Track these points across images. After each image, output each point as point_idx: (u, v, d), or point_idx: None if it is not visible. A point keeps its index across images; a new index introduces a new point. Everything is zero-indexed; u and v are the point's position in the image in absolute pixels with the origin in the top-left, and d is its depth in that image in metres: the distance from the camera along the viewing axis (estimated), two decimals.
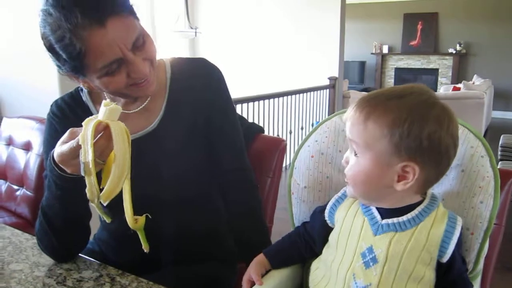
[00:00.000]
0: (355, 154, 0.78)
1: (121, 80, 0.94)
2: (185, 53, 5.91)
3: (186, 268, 1.10)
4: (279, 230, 1.20)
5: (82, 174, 0.76)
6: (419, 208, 0.78)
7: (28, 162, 1.93)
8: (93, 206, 0.82)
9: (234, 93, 3.68)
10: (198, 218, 1.12)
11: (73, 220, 1.00)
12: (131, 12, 0.92)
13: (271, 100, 4.43)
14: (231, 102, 1.16)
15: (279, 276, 0.93)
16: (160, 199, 1.06)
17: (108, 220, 0.84)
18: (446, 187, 0.86)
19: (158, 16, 5.06)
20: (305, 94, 5.12)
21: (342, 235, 0.83)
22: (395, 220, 0.78)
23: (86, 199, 0.79)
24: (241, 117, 1.36)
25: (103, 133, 0.77)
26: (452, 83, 9.11)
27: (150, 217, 0.79)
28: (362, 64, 10.29)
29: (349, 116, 0.78)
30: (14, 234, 1.16)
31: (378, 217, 0.79)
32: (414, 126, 0.71)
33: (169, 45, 5.39)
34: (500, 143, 4.07)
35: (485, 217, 0.82)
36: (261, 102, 4.28)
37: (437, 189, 0.88)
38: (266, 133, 1.38)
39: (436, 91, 9.09)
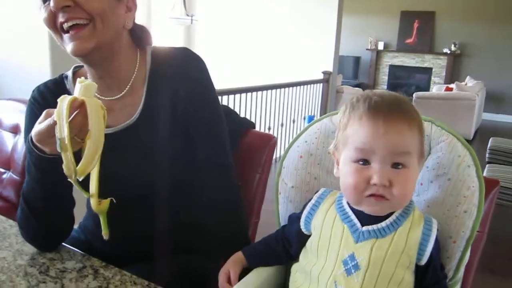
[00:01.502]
0: (397, 167, 0.75)
1: (47, 13, 0.93)
2: (181, 41, 5.88)
3: (170, 260, 1.10)
4: (266, 221, 1.20)
5: (59, 150, 0.76)
6: (396, 213, 0.79)
7: (16, 145, 1.91)
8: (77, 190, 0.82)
9: (227, 84, 3.67)
10: (180, 211, 1.11)
11: (55, 204, 0.99)
12: None
13: (264, 91, 4.43)
14: (214, 93, 1.11)
15: (262, 273, 0.93)
16: (141, 192, 1.05)
17: (86, 196, 0.83)
18: (431, 194, 0.87)
19: (155, 2, 5.01)
20: (298, 87, 5.13)
21: (322, 242, 0.83)
22: (375, 226, 0.78)
23: (68, 184, 0.80)
24: (233, 112, 1.36)
25: (79, 110, 0.76)
26: (445, 83, 9.16)
27: (114, 201, 0.79)
28: (357, 59, 10.30)
29: (379, 126, 0.74)
30: None
31: (358, 224, 0.79)
32: (423, 125, 0.80)
33: (165, 32, 5.35)
34: (488, 145, 4.11)
35: (468, 226, 0.83)
36: (254, 93, 4.27)
37: (423, 196, 0.89)
38: (258, 124, 1.38)
39: (429, 90, 9.15)
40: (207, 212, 1.09)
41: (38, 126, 0.83)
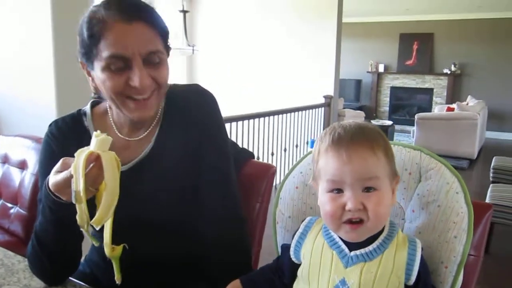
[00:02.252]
0: (369, 191, 0.78)
1: (119, 82, 0.95)
2: (183, 70, 5.98)
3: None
4: (270, 247, 1.22)
5: (73, 201, 0.80)
6: (381, 237, 0.82)
7: (23, 180, 1.95)
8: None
9: (229, 111, 3.72)
10: (183, 245, 1.13)
11: (66, 243, 1.02)
12: (161, 34, 0.99)
13: (266, 118, 4.47)
14: (223, 127, 1.16)
15: None
16: (147, 224, 1.07)
17: (96, 244, 0.87)
18: (423, 221, 0.90)
19: None
20: (300, 112, 5.17)
21: (312, 270, 0.86)
22: (362, 251, 0.81)
23: None
24: (233, 143, 1.40)
25: (95, 163, 0.80)
26: (446, 103, 9.22)
27: (127, 247, 0.83)
28: (358, 82, 10.40)
29: (344, 156, 0.78)
30: (6, 256, 1.18)
31: (346, 250, 0.83)
32: (390, 148, 0.83)
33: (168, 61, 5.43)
34: (492, 165, 4.12)
35: (458, 251, 0.85)
36: (256, 120, 4.31)
37: (415, 222, 0.92)
38: (260, 150, 1.41)
39: (431, 110, 9.20)
40: (213, 248, 1.10)
41: (55, 177, 0.86)
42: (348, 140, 0.79)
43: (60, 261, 1.02)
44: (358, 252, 0.81)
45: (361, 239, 0.81)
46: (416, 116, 6.90)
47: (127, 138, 1.09)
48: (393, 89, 10.26)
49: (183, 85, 1.18)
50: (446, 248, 0.86)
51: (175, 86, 1.16)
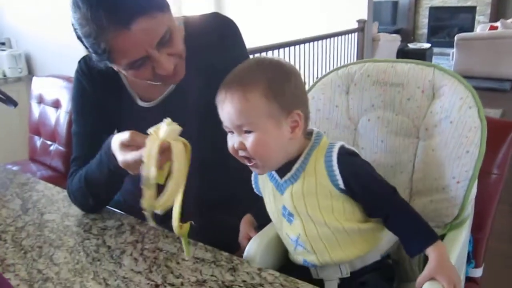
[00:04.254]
0: (246, 132, 0.81)
1: (147, 73, 0.95)
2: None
3: (202, 217, 1.17)
4: None
5: (143, 186, 0.81)
6: (304, 153, 0.84)
7: (58, 119, 2.05)
8: None
9: (256, 41, 3.63)
10: (219, 182, 1.15)
11: (115, 189, 1.09)
12: (158, 7, 0.89)
13: (296, 47, 4.35)
14: (246, 57, 1.12)
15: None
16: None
17: (153, 224, 0.88)
18: (435, 139, 0.90)
19: None
20: (332, 38, 5.00)
21: (268, 205, 0.93)
22: (288, 174, 0.85)
23: None
24: None
25: (166, 152, 0.82)
26: (490, 21, 8.67)
27: (193, 223, 0.84)
28: (395, 4, 9.88)
29: (223, 102, 0.82)
30: (47, 188, 1.28)
31: (278, 178, 0.87)
32: (284, 85, 0.82)
33: None
34: None
35: (470, 166, 0.86)
36: (286, 49, 4.20)
37: (428, 140, 0.92)
38: None
39: (473, 31, 8.71)
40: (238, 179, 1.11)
41: (125, 156, 0.88)
42: (225, 87, 0.83)
43: (104, 200, 1.11)
44: (286, 177, 0.85)
45: (264, 173, 0.88)
46: (456, 37, 6.58)
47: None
48: (432, 9, 9.72)
49: (200, 16, 1.15)
50: (458, 164, 0.86)
51: (192, 17, 1.14)
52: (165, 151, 0.82)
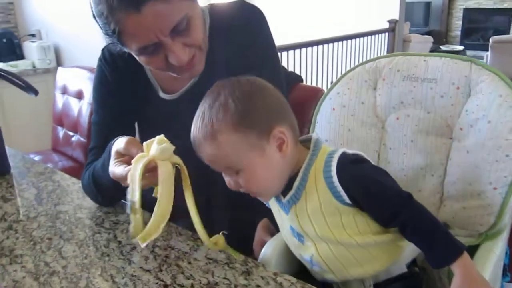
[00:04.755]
0: (237, 173, 0.76)
1: (159, 62, 0.91)
2: None
3: (216, 215, 1.13)
4: None
5: (128, 212, 0.77)
6: (302, 168, 0.77)
7: (81, 110, 2.05)
8: None
9: (285, 39, 3.60)
10: None
11: (123, 188, 1.04)
12: None
13: (324, 45, 4.29)
14: (273, 47, 1.08)
15: None
16: None
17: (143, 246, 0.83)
18: (471, 139, 0.83)
19: None
20: (362, 38, 4.91)
21: (278, 223, 0.88)
22: (290, 193, 0.78)
23: None
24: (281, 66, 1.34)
25: (152, 173, 0.76)
26: None
27: (225, 233, 0.79)
28: (427, 4, 9.67)
29: (199, 152, 0.77)
30: (63, 178, 1.26)
31: (281, 197, 0.80)
32: (252, 107, 0.73)
33: None
34: None
35: (510, 171, 0.78)
36: (315, 47, 4.14)
37: (463, 141, 0.85)
38: (319, 79, 1.34)
39: (508, 34, 8.45)
40: None
41: (114, 168, 0.85)
42: (194, 138, 0.77)
43: (113, 197, 1.07)
44: (288, 196, 0.79)
45: (270, 199, 0.82)
46: (490, 40, 6.37)
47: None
48: (467, 11, 9.46)
49: (226, 4, 1.09)
50: (496, 168, 0.79)
51: (217, 5, 1.09)
52: (154, 171, 0.76)
